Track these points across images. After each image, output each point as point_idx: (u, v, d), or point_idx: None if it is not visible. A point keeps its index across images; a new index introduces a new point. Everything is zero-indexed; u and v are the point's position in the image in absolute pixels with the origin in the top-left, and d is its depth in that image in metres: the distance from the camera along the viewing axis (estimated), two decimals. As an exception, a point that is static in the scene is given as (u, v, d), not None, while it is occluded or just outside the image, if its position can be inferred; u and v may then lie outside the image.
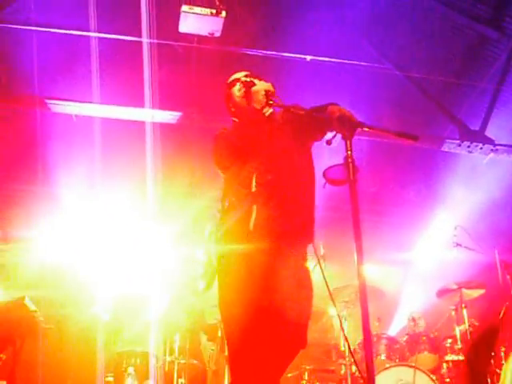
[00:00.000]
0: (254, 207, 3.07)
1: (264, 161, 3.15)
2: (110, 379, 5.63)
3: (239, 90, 3.41)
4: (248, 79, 3.40)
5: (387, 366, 5.51)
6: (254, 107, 3.30)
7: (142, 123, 6.34)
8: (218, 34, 5.96)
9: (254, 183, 3.10)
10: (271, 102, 3.28)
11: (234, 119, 3.48)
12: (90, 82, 6.23)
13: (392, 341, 6.10)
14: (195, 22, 5.83)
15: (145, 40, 5.53)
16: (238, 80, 3.44)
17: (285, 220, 3.10)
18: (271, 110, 3.30)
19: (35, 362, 5.46)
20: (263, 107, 3.29)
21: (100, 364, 5.52)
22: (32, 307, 5.46)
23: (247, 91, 3.35)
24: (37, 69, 6.31)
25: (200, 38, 6.25)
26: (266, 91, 3.30)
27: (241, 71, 3.49)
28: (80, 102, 6.44)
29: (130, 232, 6.88)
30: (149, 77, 5.53)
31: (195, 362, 5.89)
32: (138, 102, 6.30)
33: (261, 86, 3.34)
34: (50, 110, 6.43)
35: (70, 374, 5.80)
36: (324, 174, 3.03)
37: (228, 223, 3.14)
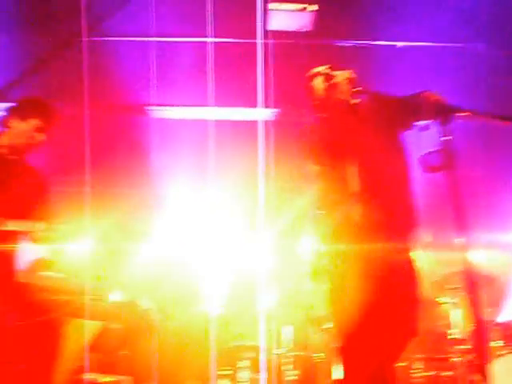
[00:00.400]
0: (359, 203, 3.09)
1: (360, 154, 3.15)
2: (225, 373, 5.79)
3: (322, 83, 3.38)
4: (329, 71, 3.36)
5: (502, 352, 5.38)
6: (340, 98, 3.26)
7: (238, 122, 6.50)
8: (307, 29, 5.99)
9: (354, 178, 3.11)
10: (357, 90, 3.23)
11: (319, 114, 3.45)
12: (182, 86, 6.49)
13: (506, 327, 5.94)
14: (284, 18, 5.89)
15: (258, 41, 5.62)
16: (318, 73, 3.41)
17: (389, 213, 3.10)
18: (358, 101, 3.27)
19: (152, 358, 5.68)
20: (349, 97, 3.25)
21: (213, 358, 5.67)
22: (146, 306, 5.71)
23: (330, 83, 3.31)
24: (138, 77, 6.59)
25: (288, 34, 6.29)
26: (349, 79, 3.25)
27: (322, 64, 3.47)
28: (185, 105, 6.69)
29: (239, 229, 7.03)
30: (262, 76, 5.61)
31: (306, 354, 5.95)
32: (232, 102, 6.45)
33: (343, 75, 3.29)
34: (152, 116, 6.70)
35: (186, 369, 5.99)
36: (421, 162, 3.00)
37: (334, 221, 3.17)
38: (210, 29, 6.02)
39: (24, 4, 6.59)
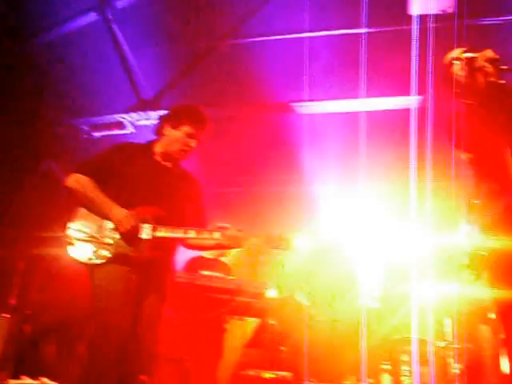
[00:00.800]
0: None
1: None
2: (387, 367, 5.71)
3: (461, 69, 3.15)
4: (468, 54, 3.12)
5: None
6: (484, 82, 3.03)
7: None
8: (451, 10, 5.75)
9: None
10: (503, 69, 2.99)
11: (464, 100, 3.23)
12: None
13: None
14: (428, 1, 5.69)
15: (414, 27, 5.49)
16: (457, 58, 3.19)
17: None
18: (503, 82, 3.03)
19: (310, 353, 5.71)
20: (495, 78, 3.01)
21: (372, 352, 5.61)
22: (304, 301, 5.75)
23: (471, 68, 3.08)
24: (281, 75, 6.64)
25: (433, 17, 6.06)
26: (491, 59, 3.02)
27: (460, 47, 3.24)
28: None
29: (393, 220, 6.90)
30: (415, 63, 5.46)
31: (471, 346, 5.74)
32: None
33: (483, 56, 3.05)
34: (302, 112, 6.75)
35: (343, 364, 5.97)
36: None
37: (493, 211, 3.01)
38: (363, 18, 5.94)
39: (166, 13, 6.85)
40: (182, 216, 3.94)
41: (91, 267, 3.74)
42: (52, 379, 5.30)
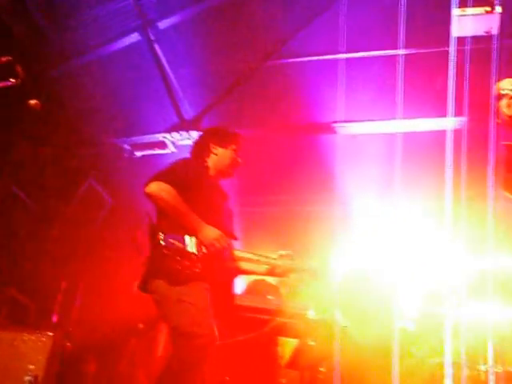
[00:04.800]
0: None
1: None
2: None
3: (508, 106, 3.10)
4: None
5: None
6: None
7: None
8: (495, 32, 5.74)
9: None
10: None
11: (505, 142, 3.18)
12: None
13: None
14: (470, 23, 5.69)
15: (452, 48, 5.51)
16: (505, 95, 3.10)
17: None
18: None
19: (350, 375, 5.67)
20: None
21: (397, 376, 5.56)
22: (342, 323, 5.73)
23: None
24: (321, 95, 6.69)
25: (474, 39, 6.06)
26: None
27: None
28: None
29: (429, 241, 6.89)
30: (452, 84, 5.48)
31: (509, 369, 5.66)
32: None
33: None
34: (340, 133, 6.80)
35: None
36: None
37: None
38: (400, 41, 5.98)
39: (208, 34, 6.93)
40: (231, 232, 4.02)
41: (169, 283, 3.65)
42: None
